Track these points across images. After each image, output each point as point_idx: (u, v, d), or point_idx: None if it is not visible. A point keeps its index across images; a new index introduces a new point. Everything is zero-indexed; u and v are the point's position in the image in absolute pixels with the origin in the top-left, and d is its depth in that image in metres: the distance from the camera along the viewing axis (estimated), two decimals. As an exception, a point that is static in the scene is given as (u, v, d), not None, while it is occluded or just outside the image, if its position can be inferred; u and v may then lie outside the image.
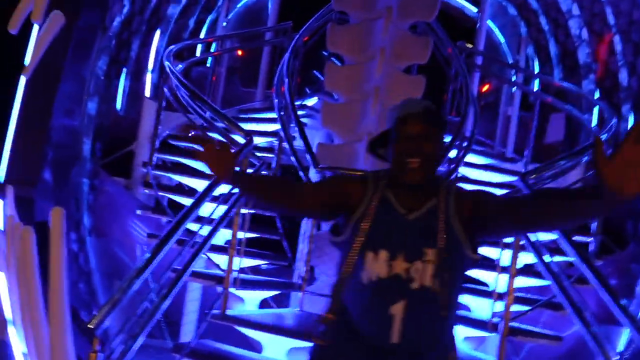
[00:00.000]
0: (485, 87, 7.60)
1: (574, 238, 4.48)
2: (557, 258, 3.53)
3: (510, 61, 6.79)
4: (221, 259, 4.07)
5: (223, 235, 4.46)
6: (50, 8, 3.97)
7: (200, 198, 3.59)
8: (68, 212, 4.88)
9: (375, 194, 1.84)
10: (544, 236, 3.62)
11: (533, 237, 3.36)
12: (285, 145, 4.74)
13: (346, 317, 1.86)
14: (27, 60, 4.14)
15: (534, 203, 1.67)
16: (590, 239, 4.15)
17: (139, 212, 5.15)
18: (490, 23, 6.66)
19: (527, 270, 3.89)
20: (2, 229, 3.69)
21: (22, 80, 4.08)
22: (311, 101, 6.80)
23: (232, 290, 3.87)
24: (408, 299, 1.75)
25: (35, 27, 3.97)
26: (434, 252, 1.75)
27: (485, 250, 3.98)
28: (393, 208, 1.82)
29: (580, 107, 5.23)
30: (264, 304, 4.53)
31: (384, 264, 1.76)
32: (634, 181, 1.31)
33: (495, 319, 3.39)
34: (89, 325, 2.66)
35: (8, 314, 3.36)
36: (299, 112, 5.51)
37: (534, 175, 3.40)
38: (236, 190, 3.69)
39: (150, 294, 3.45)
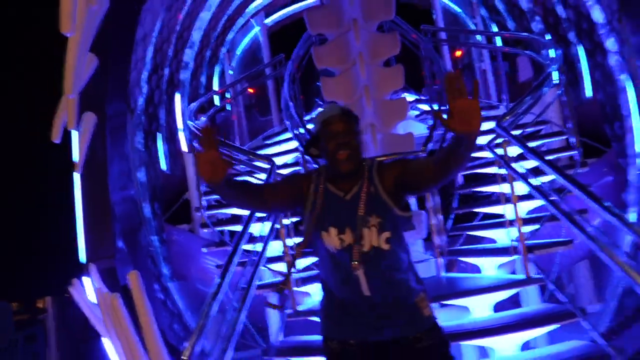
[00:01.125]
0: (459, 53, 7.59)
1: (559, 155, 4.52)
2: (545, 178, 3.56)
3: (471, 25, 6.78)
4: (282, 266, 4.23)
5: (277, 248, 4.62)
6: (81, 111, 4.24)
7: (246, 224, 3.76)
8: (147, 268, 5.15)
9: (319, 186, 2.01)
10: (531, 163, 3.67)
11: (521, 168, 3.41)
12: (307, 156, 4.91)
13: (329, 290, 2.04)
14: (75, 158, 4.41)
15: (435, 162, 1.87)
16: (574, 152, 4.19)
17: (204, 249, 5.38)
18: (443, -1, 6.69)
19: (527, 195, 3.92)
20: (96, 301, 3.93)
21: (76, 175, 4.35)
22: (316, 112, 6.96)
23: (296, 289, 3.99)
24: (364, 260, 1.91)
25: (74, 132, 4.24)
26: (371, 218, 1.92)
27: (494, 188, 4.02)
28: (333, 193, 1.99)
29: (538, 46, 5.20)
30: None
31: (336, 238, 1.94)
32: (465, 123, 1.60)
33: (515, 243, 3.45)
34: (182, 357, 2.72)
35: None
36: (310, 126, 5.69)
37: (508, 117, 3.44)
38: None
39: (230, 312, 3.59)
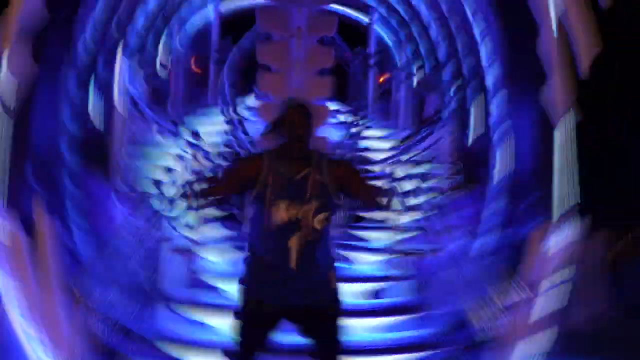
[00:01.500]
0: (382, 78, 8.11)
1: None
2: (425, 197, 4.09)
3: (397, 59, 7.35)
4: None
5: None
6: (19, 56, 4.09)
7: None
8: (58, 212, 5.04)
9: (271, 165, 2.23)
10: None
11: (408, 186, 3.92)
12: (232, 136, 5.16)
13: (258, 256, 2.27)
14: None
15: (363, 194, 2.34)
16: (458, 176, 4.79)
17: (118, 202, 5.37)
18: (380, 29, 7.18)
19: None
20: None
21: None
22: (250, 100, 7.17)
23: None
24: (300, 234, 2.17)
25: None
26: (313, 200, 2.19)
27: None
28: (284, 173, 2.22)
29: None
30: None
31: (284, 213, 2.17)
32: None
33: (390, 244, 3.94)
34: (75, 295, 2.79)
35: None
36: (243, 109, 5.93)
37: (402, 142, 3.91)
38: None
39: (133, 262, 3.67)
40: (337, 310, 2.29)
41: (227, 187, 2.37)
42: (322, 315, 2.24)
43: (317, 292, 2.23)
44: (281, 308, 2.24)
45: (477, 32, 4.16)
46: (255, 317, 2.25)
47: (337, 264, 2.36)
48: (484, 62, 4.00)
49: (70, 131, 5.89)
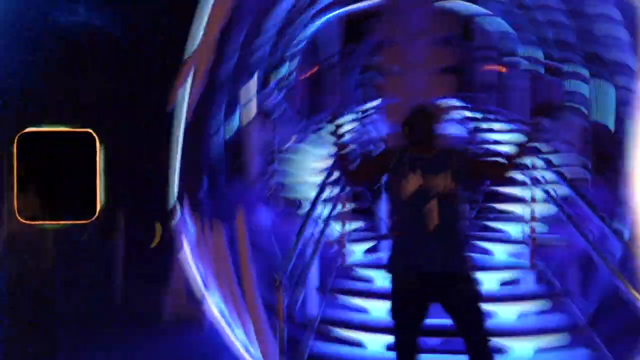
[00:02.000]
0: (501, 69, 7.79)
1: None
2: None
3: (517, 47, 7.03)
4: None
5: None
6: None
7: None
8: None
9: (405, 154, 2.59)
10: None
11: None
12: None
13: (406, 217, 2.54)
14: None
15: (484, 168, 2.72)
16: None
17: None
18: (498, 18, 6.94)
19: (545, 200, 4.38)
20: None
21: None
22: (373, 101, 7.46)
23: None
24: (438, 200, 2.45)
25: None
26: (442, 174, 2.49)
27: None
28: (417, 156, 2.56)
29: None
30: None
31: (418, 182, 2.48)
32: None
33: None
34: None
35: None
36: (370, 111, 6.31)
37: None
38: None
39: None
40: (470, 277, 2.46)
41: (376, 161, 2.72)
42: (458, 283, 2.42)
43: (450, 257, 2.44)
44: (422, 277, 2.43)
45: (609, 23, 4.01)
46: (404, 293, 2.47)
47: (470, 253, 2.60)
48: (615, 53, 3.87)
49: (220, 141, 6.59)
